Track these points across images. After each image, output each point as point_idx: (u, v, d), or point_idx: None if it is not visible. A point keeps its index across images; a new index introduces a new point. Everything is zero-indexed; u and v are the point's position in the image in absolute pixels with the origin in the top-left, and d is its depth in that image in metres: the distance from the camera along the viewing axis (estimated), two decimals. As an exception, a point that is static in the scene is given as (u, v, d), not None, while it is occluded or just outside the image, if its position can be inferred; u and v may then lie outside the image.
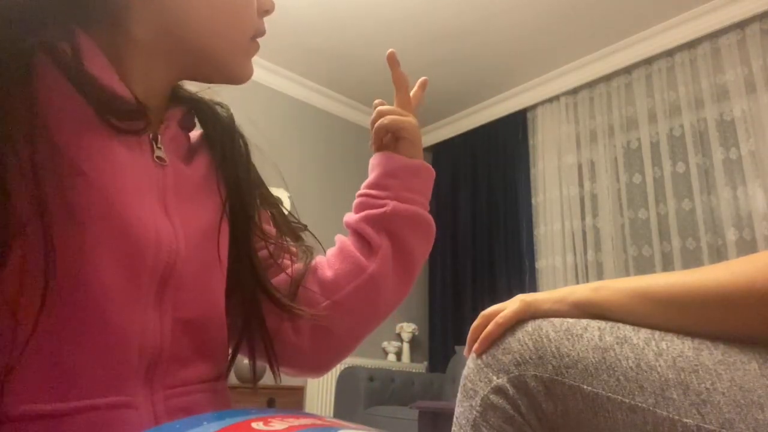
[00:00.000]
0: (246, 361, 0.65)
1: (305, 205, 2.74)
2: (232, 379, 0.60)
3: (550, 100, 3.75)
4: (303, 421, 0.41)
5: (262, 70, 3.61)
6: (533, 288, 3.52)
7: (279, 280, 0.66)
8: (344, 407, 3.10)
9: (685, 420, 0.50)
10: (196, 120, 0.64)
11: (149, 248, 0.49)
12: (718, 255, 2.86)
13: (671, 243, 3.03)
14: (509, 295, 0.65)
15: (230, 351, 0.64)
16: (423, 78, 0.75)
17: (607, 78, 3.48)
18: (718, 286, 0.53)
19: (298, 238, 0.71)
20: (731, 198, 2.85)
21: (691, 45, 3.13)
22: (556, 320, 0.60)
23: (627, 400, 0.53)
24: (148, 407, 0.48)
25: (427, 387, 3.41)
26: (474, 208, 4.10)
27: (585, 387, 0.55)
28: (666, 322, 0.56)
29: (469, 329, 0.65)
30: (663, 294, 0.56)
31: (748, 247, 2.74)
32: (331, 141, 4.03)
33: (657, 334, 0.56)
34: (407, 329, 3.95)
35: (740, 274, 0.52)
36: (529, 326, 0.61)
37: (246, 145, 0.67)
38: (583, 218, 3.47)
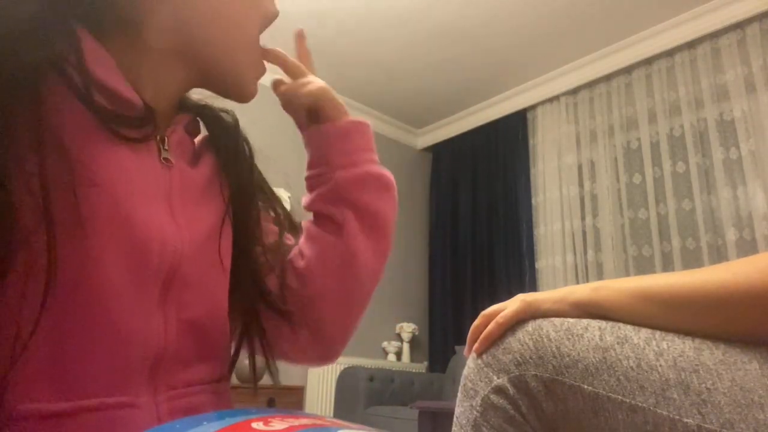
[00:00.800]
0: (246, 361, 0.65)
1: (305, 205, 2.72)
2: (232, 379, 0.60)
3: (550, 100, 3.75)
4: (303, 421, 0.41)
5: (262, 70, 3.61)
6: (533, 288, 3.51)
7: (272, 282, 0.66)
8: (344, 407, 3.10)
9: (685, 420, 0.50)
10: (201, 125, 0.64)
11: (154, 249, 0.49)
12: (718, 255, 2.86)
13: (671, 243, 3.03)
14: (509, 295, 0.65)
15: (232, 352, 0.64)
16: (297, 29, 0.70)
17: (607, 78, 3.47)
18: (718, 287, 0.53)
19: (299, 237, 0.71)
20: (731, 198, 2.85)
21: (691, 45, 3.12)
22: (557, 320, 0.60)
23: (627, 400, 0.53)
24: (151, 407, 0.49)
25: (427, 387, 3.41)
26: (474, 208, 4.10)
27: (585, 387, 0.55)
28: (666, 322, 0.56)
29: (469, 329, 0.65)
30: (663, 294, 0.56)
31: (748, 247, 2.74)
32: (331, 141, 4.03)
33: (658, 333, 0.56)
34: (407, 329, 3.95)
35: (741, 274, 0.52)
36: (530, 326, 0.61)
37: (250, 149, 0.67)
38: (583, 218, 3.47)
